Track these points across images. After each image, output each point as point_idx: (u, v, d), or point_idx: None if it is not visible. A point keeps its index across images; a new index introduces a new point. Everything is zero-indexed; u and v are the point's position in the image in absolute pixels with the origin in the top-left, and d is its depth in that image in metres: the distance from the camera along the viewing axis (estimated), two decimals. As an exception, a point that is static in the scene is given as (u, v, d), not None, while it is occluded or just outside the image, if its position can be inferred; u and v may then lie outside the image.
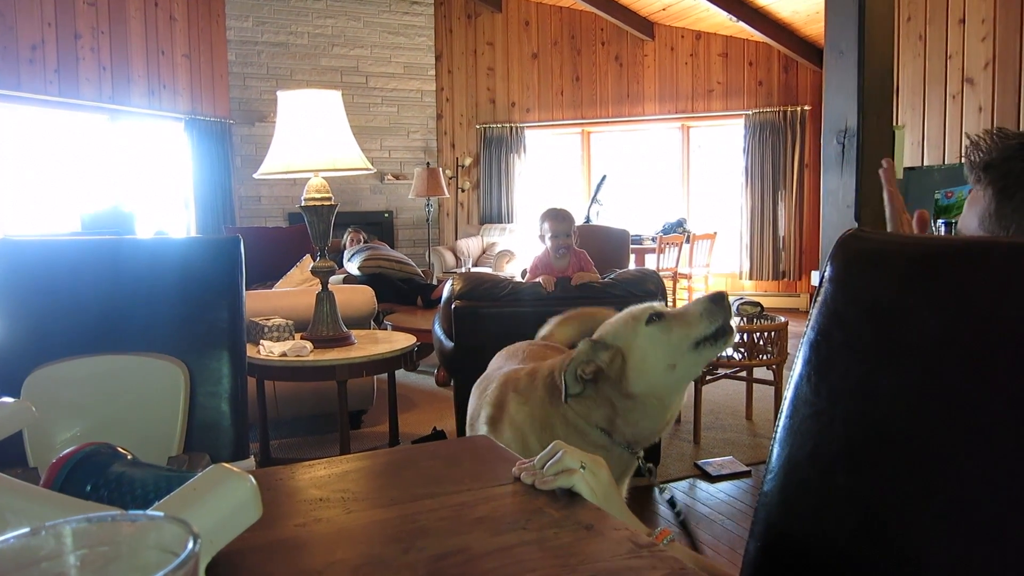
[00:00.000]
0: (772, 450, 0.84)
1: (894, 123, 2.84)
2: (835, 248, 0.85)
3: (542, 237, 3.80)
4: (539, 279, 3.24)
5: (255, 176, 3.31)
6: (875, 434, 0.75)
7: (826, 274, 0.85)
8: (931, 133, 5.70)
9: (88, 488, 0.71)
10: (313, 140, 3.05)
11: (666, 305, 1.58)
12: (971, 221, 1.12)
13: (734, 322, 3.77)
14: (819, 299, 0.84)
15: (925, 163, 5.74)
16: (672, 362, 1.42)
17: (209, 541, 0.57)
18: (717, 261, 7.86)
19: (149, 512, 0.39)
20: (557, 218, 3.77)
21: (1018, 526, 0.63)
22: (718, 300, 1.43)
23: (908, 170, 5.50)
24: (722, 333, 1.43)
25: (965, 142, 1.11)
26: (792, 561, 0.81)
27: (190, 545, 0.34)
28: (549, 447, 0.94)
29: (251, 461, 1.49)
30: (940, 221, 2.23)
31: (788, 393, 0.84)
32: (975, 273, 0.72)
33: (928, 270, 0.76)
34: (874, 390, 0.76)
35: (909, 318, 0.75)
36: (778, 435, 0.84)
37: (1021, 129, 4.91)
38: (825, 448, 0.79)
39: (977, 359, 0.69)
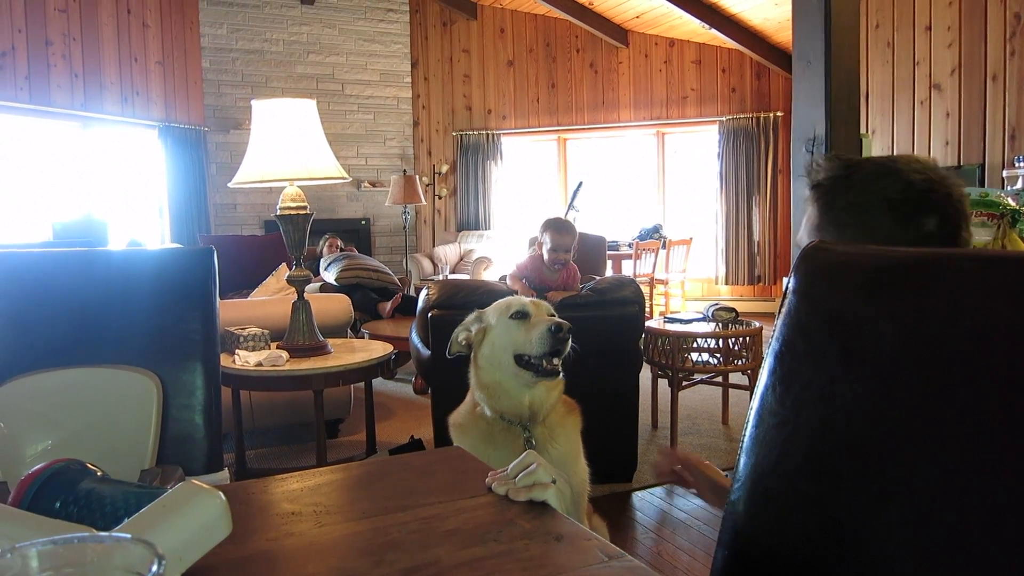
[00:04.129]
0: (739, 459, 0.86)
1: (863, 131, 2.89)
2: (798, 260, 0.87)
3: (540, 245, 3.64)
4: (517, 290, 3.24)
5: (229, 185, 3.30)
6: (836, 443, 0.76)
7: (790, 285, 0.87)
8: (900, 138, 5.79)
9: (57, 505, 0.71)
10: (288, 149, 3.04)
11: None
12: (803, 234, 1.23)
13: (708, 327, 3.80)
14: (783, 310, 0.86)
15: (895, 169, 5.83)
16: (512, 352, 1.68)
17: (179, 558, 0.57)
18: (693, 266, 7.93)
19: (114, 534, 0.39)
20: (560, 231, 3.59)
21: (973, 531, 0.65)
22: (555, 330, 1.65)
23: (879, 176, 5.59)
24: (538, 367, 1.66)
25: (807, 161, 1.19)
26: (759, 568, 0.83)
27: (155, 566, 0.35)
28: (521, 457, 0.95)
29: (224, 473, 1.48)
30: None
31: (754, 403, 0.86)
32: (931, 285, 0.74)
33: (887, 281, 0.78)
34: (835, 399, 0.77)
35: (868, 329, 0.77)
36: (744, 444, 0.85)
37: (986, 133, 5.02)
38: (789, 457, 0.80)
39: (933, 369, 0.71)
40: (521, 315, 1.72)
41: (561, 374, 1.69)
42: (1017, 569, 0.63)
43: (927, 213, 1.10)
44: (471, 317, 1.81)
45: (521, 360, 1.70)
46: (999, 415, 0.65)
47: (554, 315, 1.77)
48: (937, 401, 0.70)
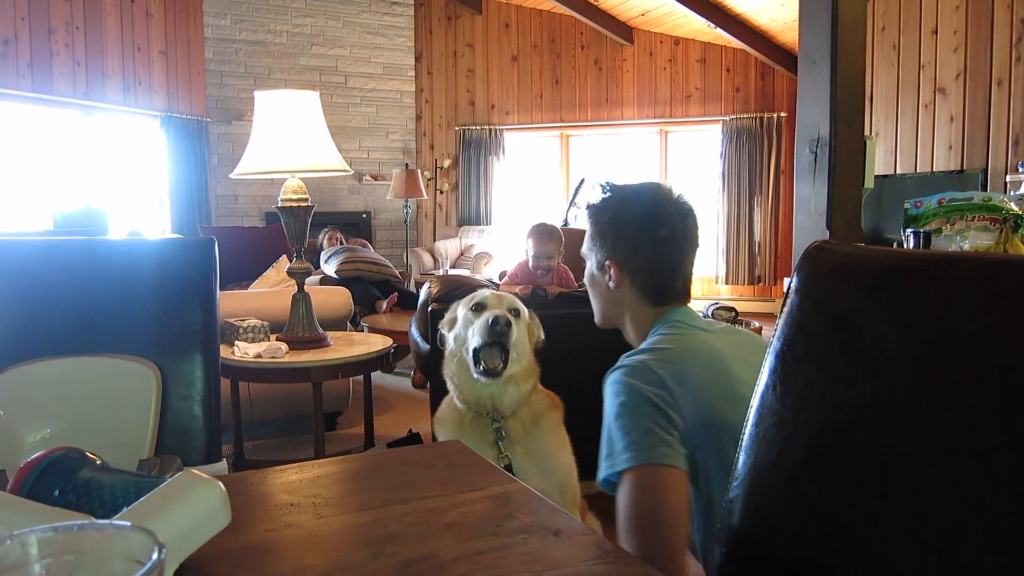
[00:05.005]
0: (738, 457, 0.86)
1: (866, 133, 2.89)
2: (800, 260, 0.87)
3: (526, 252, 3.71)
4: (516, 289, 3.24)
5: (231, 176, 3.29)
6: (837, 442, 0.77)
7: (792, 285, 0.87)
8: (904, 142, 5.79)
9: (56, 493, 0.71)
10: (290, 141, 3.03)
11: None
12: (584, 245, 1.53)
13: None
14: (785, 310, 0.86)
15: (898, 171, 5.83)
16: (465, 346, 1.78)
17: (177, 548, 0.57)
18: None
19: (115, 521, 0.39)
20: (542, 238, 3.65)
21: (972, 533, 0.65)
22: (492, 323, 1.73)
23: (881, 178, 5.59)
24: (476, 360, 1.75)
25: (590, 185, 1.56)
26: (757, 567, 0.83)
27: (155, 555, 0.34)
28: None
29: (223, 464, 1.48)
30: (909, 231, 2.28)
31: (754, 402, 0.86)
32: (933, 287, 0.74)
33: (889, 283, 0.78)
34: (836, 399, 0.77)
35: (870, 329, 0.77)
36: (744, 443, 0.85)
37: (990, 138, 5.01)
38: (789, 456, 0.80)
39: (934, 370, 0.71)
40: (479, 307, 1.79)
41: (502, 376, 1.74)
42: (1016, 571, 0.63)
43: (660, 225, 1.44)
44: (450, 308, 1.89)
45: (475, 356, 1.75)
46: (999, 418, 0.65)
47: (519, 310, 1.82)
48: (938, 403, 0.70)
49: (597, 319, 1.58)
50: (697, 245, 1.50)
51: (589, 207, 1.53)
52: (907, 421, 0.71)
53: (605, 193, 1.52)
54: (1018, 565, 0.62)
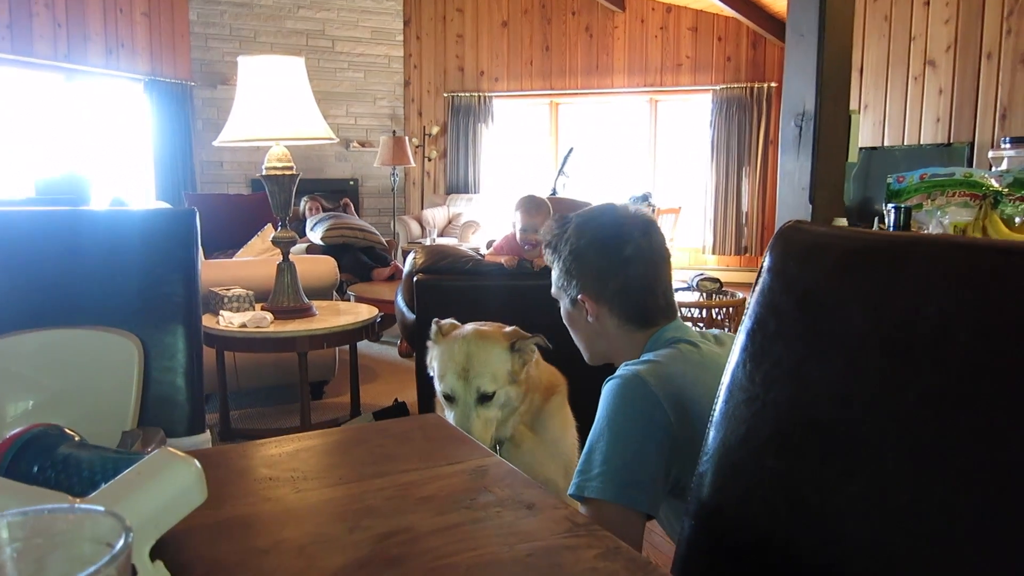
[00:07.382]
0: (708, 433, 0.88)
1: (853, 106, 2.89)
2: (774, 239, 0.88)
3: (513, 224, 3.66)
4: (502, 259, 3.23)
5: (215, 143, 3.26)
6: (803, 420, 0.78)
7: (764, 264, 0.88)
8: (892, 114, 5.78)
9: (35, 470, 0.72)
10: (275, 108, 3.00)
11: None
12: (553, 284, 1.48)
13: (691, 296, 3.83)
14: (757, 288, 0.87)
15: (886, 143, 5.84)
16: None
17: (153, 525, 0.58)
18: (681, 235, 7.94)
19: (84, 505, 0.40)
20: (529, 211, 3.59)
21: (928, 509, 0.68)
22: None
23: (869, 150, 5.60)
24: None
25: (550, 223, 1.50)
26: (724, 538, 0.85)
27: (122, 539, 0.36)
28: None
29: (207, 435, 1.50)
30: (891, 206, 2.30)
31: (725, 379, 0.88)
32: (900, 269, 0.75)
33: (856, 264, 0.79)
34: (804, 378, 0.79)
35: (837, 310, 0.78)
36: (714, 419, 0.87)
37: (978, 112, 5.02)
38: (757, 432, 0.82)
39: (898, 352, 0.72)
40: (448, 397, 1.65)
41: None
42: (969, 544, 0.65)
43: (623, 244, 1.37)
44: (428, 347, 1.75)
45: None
46: (958, 399, 0.67)
47: (492, 393, 1.62)
48: (900, 383, 0.71)
49: (587, 357, 1.50)
50: (668, 257, 1.43)
51: (546, 245, 1.47)
52: (870, 400, 0.73)
53: (559, 227, 1.45)
54: (972, 540, 0.64)
